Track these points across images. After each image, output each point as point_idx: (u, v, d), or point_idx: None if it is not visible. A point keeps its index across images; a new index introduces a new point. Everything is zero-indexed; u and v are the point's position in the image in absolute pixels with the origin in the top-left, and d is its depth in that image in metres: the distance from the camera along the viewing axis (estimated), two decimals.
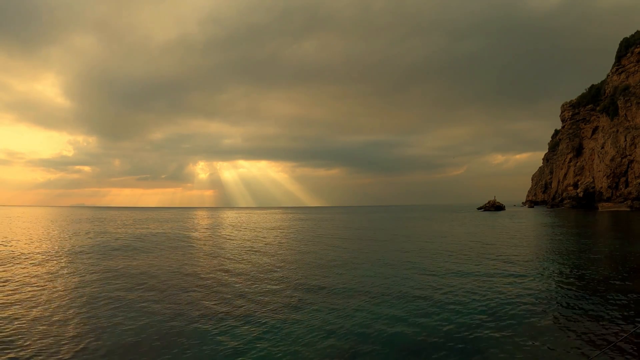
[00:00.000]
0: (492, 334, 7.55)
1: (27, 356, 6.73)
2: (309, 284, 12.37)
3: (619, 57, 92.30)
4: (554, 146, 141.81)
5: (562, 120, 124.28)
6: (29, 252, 20.37)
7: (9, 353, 6.89)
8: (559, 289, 11.32)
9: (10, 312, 9.28)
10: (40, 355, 6.75)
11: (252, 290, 11.52)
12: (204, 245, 24.66)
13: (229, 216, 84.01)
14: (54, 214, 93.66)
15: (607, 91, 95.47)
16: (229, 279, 13.23)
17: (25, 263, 16.65)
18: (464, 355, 6.67)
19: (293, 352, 6.90)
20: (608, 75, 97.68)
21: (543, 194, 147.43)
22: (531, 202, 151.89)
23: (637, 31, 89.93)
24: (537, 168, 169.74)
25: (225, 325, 8.34)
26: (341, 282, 12.57)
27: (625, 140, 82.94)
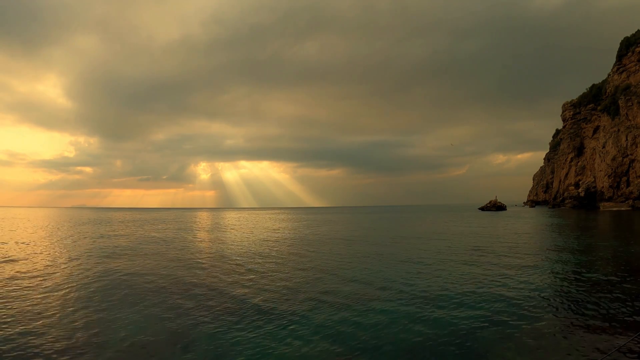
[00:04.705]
0: (493, 336, 7.64)
1: (32, 356, 6.87)
2: (311, 284, 12.46)
3: (620, 56, 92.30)
4: (555, 146, 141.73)
5: (563, 120, 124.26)
6: (33, 254, 20.52)
7: (16, 353, 7.04)
8: (561, 290, 11.41)
9: (15, 312, 9.42)
10: (43, 354, 6.88)
11: (254, 292, 11.62)
12: (210, 247, 24.78)
13: (232, 217, 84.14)
14: (54, 216, 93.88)
15: (608, 90, 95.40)
16: (233, 281, 13.33)
17: (29, 265, 16.79)
18: (464, 356, 6.77)
19: (293, 352, 7.02)
20: (609, 75, 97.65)
21: (544, 193, 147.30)
22: (532, 202, 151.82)
23: (638, 30, 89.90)
24: (539, 168, 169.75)
25: (227, 325, 8.45)
26: (342, 282, 12.66)
27: (627, 139, 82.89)
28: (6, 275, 14.44)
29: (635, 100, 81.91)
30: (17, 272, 15.22)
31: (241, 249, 23.17)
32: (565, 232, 31.25)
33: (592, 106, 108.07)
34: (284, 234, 34.30)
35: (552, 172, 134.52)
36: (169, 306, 10.20)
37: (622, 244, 22.18)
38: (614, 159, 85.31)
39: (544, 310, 9.26)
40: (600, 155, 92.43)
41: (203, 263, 17.48)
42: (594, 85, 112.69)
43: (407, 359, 6.76)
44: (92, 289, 12.28)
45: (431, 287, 11.88)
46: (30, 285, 12.85)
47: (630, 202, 78.61)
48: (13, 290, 12.01)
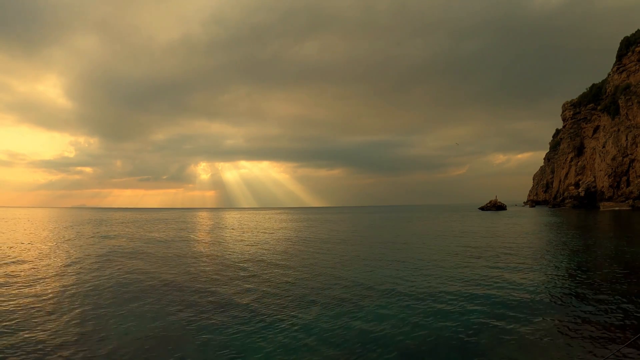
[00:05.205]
0: (492, 336, 7.67)
1: (34, 354, 6.91)
2: (312, 284, 12.50)
3: (620, 56, 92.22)
4: (555, 146, 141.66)
5: (563, 120, 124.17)
6: (35, 254, 20.57)
7: (17, 350, 7.08)
8: (561, 290, 11.43)
9: (17, 311, 9.47)
10: (46, 353, 6.93)
11: (256, 292, 11.66)
12: (210, 248, 24.80)
13: (232, 217, 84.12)
14: (55, 216, 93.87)
15: (608, 90, 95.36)
16: (232, 281, 13.37)
17: (30, 265, 16.83)
18: (464, 356, 6.79)
19: (294, 352, 7.05)
20: (609, 75, 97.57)
21: (544, 193, 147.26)
22: (532, 202, 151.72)
23: (638, 30, 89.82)
24: (539, 168, 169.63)
25: (229, 325, 8.49)
26: (341, 283, 12.68)
27: (627, 139, 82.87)
28: (9, 276, 14.48)
29: (635, 100, 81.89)
30: (19, 272, 15.26)
31: (241, 249, 23.20)
32: (565, 232, 31.27)
33: (592, 106, 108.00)
34: (283, 235, 34.33)
35: (552, 172, 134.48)
36: (168, 306, 10.24)
37: (622, 243, 22.20)
38: (614, 158, 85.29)
39: (543, 310, 9.28)
40: (600, 155, 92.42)
41: (203, 264, 17.52)
42: (594, 85, 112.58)
43: (406, 359, 6.79)
44: (93, 289, 12.31)
45: (429, 287, 11.90)
46: (31, 285, 12.89)
47: (631, 201, 78.59)
48: (15, 290, 12.06)
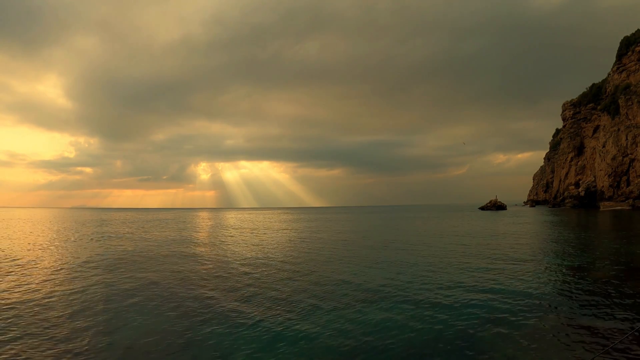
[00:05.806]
0: (491, 335, 7.68)
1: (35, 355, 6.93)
2: (311, 286, 12.51)
3: (620, 55, 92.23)
4: (555, 145, 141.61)
5: (563, 120, 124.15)
6: (37, 256, 20.59)
7: (22, 351, 7.11)
8: (560, 289, 11.44)
9: (17, 308, 9.50)
10: (49, 353, 6.95)
11: (252, 291, 11.67)
12: (210, 249, 24.81)
13: (232, 217, 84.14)
14: (55, 216, 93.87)
15: (608, 90, 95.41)
16: (236, 282, 13.39)
17: (32, 267, 16.85)
18: (463, 356, 6.80)
19: (294, 353, 7.07)
20: (609, 74, 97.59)
21: (544, 193, 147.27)
22: (533, 202, 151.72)
23: (638, 29, 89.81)
24: (539, 167, 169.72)
25: (229, 325, 8.51)
26: (340, 284, 12.70)
27: (627, 139, 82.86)
28: (11, 277, 14.51)
29: (635, 100, 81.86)
30: (19, 272, 15.29)
31: (240, 250, 23.23)
32: (564, 231, 31.28)
33: (592, 105, 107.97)
34: (283, 235, 34.35)
35: (552, 172, 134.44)
36: (164, 305, 10.26)
37: (622, 243, 22.21)
38: (614, 158, 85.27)
39: (542, 310, 9.30)
40: (600, 155, 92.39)
41: (201, 264, 17.55)
42: (594, 84, 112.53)
43: (405, 359, 6.80)
44: (92, 289, 12.34)
45: (426, 286, 11.91)
46: (31, 284, 12.91)
47: (631, 201, 78.55)
48: (14, 290, 12.08)
